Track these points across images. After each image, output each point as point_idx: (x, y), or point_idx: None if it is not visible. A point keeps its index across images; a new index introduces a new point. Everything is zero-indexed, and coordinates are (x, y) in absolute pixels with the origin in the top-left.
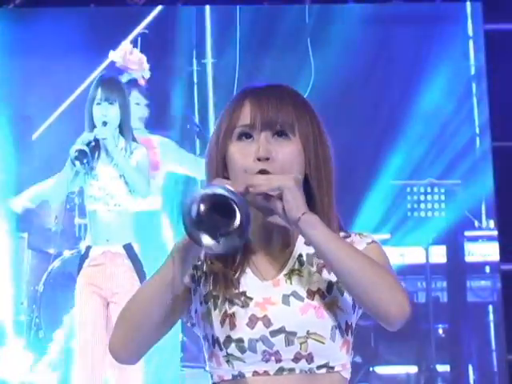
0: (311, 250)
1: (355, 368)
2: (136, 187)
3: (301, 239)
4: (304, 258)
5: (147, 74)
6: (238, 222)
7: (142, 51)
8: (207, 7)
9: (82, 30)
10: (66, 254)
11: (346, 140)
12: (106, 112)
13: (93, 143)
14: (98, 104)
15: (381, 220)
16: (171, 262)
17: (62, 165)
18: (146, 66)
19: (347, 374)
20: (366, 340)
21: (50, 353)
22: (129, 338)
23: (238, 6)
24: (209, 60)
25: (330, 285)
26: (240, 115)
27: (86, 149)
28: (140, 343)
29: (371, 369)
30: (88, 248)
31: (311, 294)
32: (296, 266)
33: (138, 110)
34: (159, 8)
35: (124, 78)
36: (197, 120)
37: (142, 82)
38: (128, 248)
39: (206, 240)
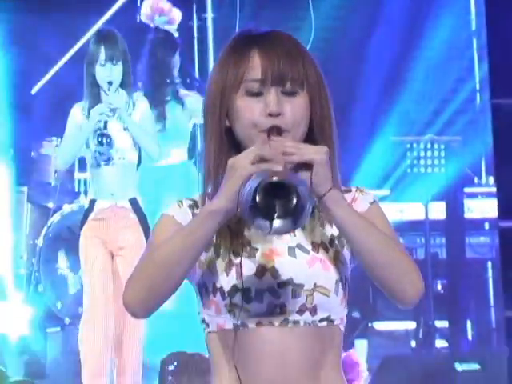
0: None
1: (354, 323)
2: (149, 152)
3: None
4: None
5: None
6: (294, 206)
7: (141, 5)
8: None
9: None
10: (66, 208)
11: (346, 96)
12: (111, 73)
13: (100, 132)
14: (102, 65)
15: (380, 176)
16: (202, 225)
17: (61, 119)
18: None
19: (343, 328)
20: (364, 296)
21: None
22: (150, 294)
23: None
24: (209, 15)
25: (332, 238)
26: (249, 68)
27: (112, 126)
28: (160, 298)
29: (370, 324)
30: (92, 202)
31: (316, 247)
32: None
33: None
34: None
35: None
36: (197, 75)
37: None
38: (133, 202)
39: (260, 222)
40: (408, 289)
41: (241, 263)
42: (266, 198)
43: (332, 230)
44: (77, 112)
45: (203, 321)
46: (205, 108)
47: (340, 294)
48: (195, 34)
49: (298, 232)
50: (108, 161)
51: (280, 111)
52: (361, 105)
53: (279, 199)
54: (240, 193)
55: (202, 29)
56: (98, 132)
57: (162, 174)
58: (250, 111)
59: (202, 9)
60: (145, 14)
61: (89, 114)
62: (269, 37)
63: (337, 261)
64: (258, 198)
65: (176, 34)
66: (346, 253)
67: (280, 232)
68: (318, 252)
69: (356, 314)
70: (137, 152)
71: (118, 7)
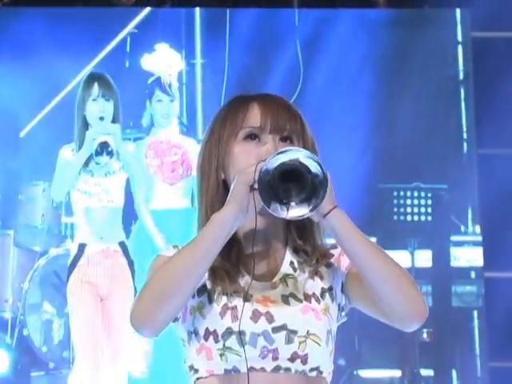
0: (301, 258)
1: (339, 371)
2: (143, 178)
3: (290, 247)
4: (295, 264)
5: (174, 72)
6: (309, 188)
7: (130, 50)
8: (197, 9)
9: (70, 29)
10: (52, 251)
11: (332, 142)
12: (103, 108)
13: (102, 140)
14: (94, 100)
15: (367, 223)
16: (212, 232)
17: (49, 162)
18: (177, 66)
19: (329, 382)
20: (349, 343)
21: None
22: (159, 308)
23: (228, 9)
24: (198, 60)
25: (323, 291)
26: (248, 116)
27: (110, 140)
28: (170, 313)
29: (355, 372)
30: (82, 246)
31: (308, 297)
32: (290, 271)
33: (161, 106)
34: (147, 9)
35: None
36: (184, 120)
37: (166, 80)
38: (123, 246)
39: (276, 206)
40: (414, 307)
41: (245, 294)
42: (282, 183)
43: (322, 284)
44: (66, 152)
45: (191, 367)
46: (201, 160)
47: (329, 345)
48: (184, 80)
49: (290, 283)
50: (108, 174)
51: None
52: (348, 151)
53: (294, 184)
54: (254, 183)
55: (191, 74)
56: (97, 143)
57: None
58: (246, 155)
59: (191, 54)
60: (153, 68)
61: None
62: (268, 94)
63: (327, 312)
64: (272, 182)
65: (175, 82)
66: (335, 306)
67: (296, 215)
68: (310, 302)
69: (341, 362)
70: (124, 195)
71: (107, 52)
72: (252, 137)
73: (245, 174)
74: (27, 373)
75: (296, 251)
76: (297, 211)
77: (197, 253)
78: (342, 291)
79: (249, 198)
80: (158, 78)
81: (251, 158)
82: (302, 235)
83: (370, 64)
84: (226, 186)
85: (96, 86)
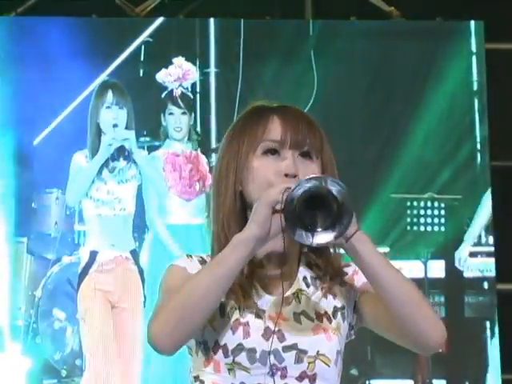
0: (314, 274)
1: (351, 381)
2: (157, 186)
3: (303, 262)
4: (309, 280)
5: (187, 84)
6: (334, 216)
7: (144, 60)
8: (211, 20)
9: (84, 39)
10: (65, 259)
11: (346, 152)
12: (117, 115)
13: (118, 145)
14: (108, 108)
15: (380, 233)
16: (234, 254)
17: (62, 170)
18: (190, 78)
19: None
20: (362, 353)
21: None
22: (179, 327)
23: (242, 20)
24: (212, 69)
25: (335, 310)
26: (268, 130)
27: (126, 145)
28: (189, 331)
29: (367, 382)
30: (94, 253)
31: (319, 317)
32: (303, 287)
33: (173, 119)
34: (161, 19)
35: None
36: (198, 129)
37: (177, 93)
38: (134, 254)
39: (301, 233)
40: (433, 330)
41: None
42: (306, 209)
43: (335, 302)
44: (80, 158)
45: (197, 378)
46: (218, 173)
47: (338, 365)
48: (197, 89)
49: (303, 300)
50: (121, 182)
51: (296, 173)
52: (361, 161)
53: (319, 211)
54: (280, 208)
55: (205, 83)
56: (113, 148)
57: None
58: (265, 170)
59: (205, 64)
60: (166, 80)
61: (92, 160)
62: (287, 107)
63: (337, 332)
64: (297, 210)
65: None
66: (346, 326)
67: (321, 243)
68: (321, 322)
69: (354, 372)
70: (135, 203)
71: (121, 61)
72: (272, 151)
73: (269, 195)
74: (40, 381)
75: (309, 266)
76: (322, 238)
77: (218, 274)
78: (354, 311)
79: (272, 220)
80: (171, 91)
81: (270, 173)
82: (315, 250)
83: (383, 75)
84: (242, 200)
85: (110, 93)
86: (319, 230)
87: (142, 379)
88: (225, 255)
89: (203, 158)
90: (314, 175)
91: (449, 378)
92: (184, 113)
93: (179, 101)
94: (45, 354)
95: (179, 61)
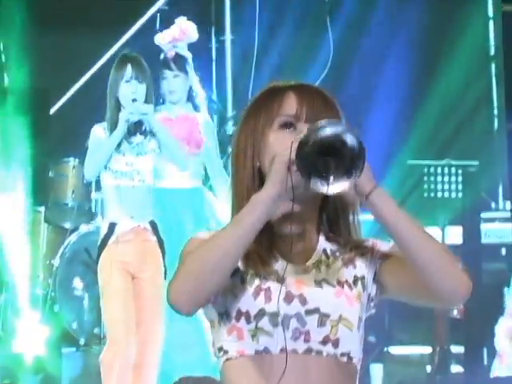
0: (334, 246)
1: (369, 348)
2: (178, 159)
3: (323, 236)
4: (328, 252)
5: (182, 46)
6: (348, 161)
7: (160, 28)
8: None
9: (99, 7)
10: (83, 228)
11: (363, 119)
12: (136, 89)
13: (135, 119)
14: (128, 81)
15: (397, 200)
16: (253, 212)
17: (79, 140)
18: (186, 38)
19: (359, 369)
20: (380, 320)
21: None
22: (198, 286)
23: None
24: (227, 36)
25: (355, 279)
26: (284, 105)
27: (144, 118)
28: (208, 291)
29: (385, 349)
30: (112, 225)
31: (340, 283)
32: (323, 258)
33: (165, 83)
34: None
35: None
36: (214, 96)
37: (171, 54)
38: (153, 225)
39: (316, 181)
40: (459, 282)
41: (283, 276)
42: (320, 157)
43: (355, 272)
44: (99, 131)
45: (220, 349)
46: (235, 149)
47: (360, 331)
48: (213, 57)
49: (323, 269)
50: (140, 154)
51: None
52: (377, 128)
53: (332, 157)
54: (294, 159)
55: (221, 51)
56: (131, 123)
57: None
58: (282, 143)
59: (220, 31)
60: (162, 43)
61: (110, 133)
62: (303, 84)
63: (358, 300)
64: (310, 157)
65: (185, 51)
66: (365, 297)
67: (336, 189)
68: (342, 288)
69: (371, 339)
70: (153, 177)
71: (136, 29)
72: (287, 125)
73: (283, 154)
74: (58, 349)
75: (329, 240)
76: (337, 185)
77: (237, 233)
78: (374, 281)
79: (287, 178)
80: (164, 54)
81: (287, 146)
82: (334, 225)
83: (400, 40)
84: (260, 175)
85: (129, 67)
86: (333, 177)
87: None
88: (244, 214)
89: (200, 119)
90: (325, 121)
91: (467, 344)
92: (177, 75)
93: (171, 63)
94: (63, 322)
95: (180, 20)
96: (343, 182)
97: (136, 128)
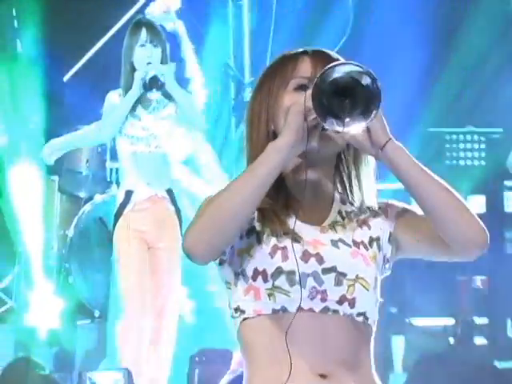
0: (349, 208)
1: (391, 319)
2: (196, 121)
3: (337, 199)
4: (343, 213)
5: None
6: (362, 100)
7: None
8: None
9: None
10: (98, 198)
11: (382, 85)
12: (151, 53)
13: (151, 74)
14: (142, 46)
15: None
16: (270, 160)
17: (93, 107)
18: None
19: (374, 331)
20: (402, 291)
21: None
22: (215, 233)
23: None
24: (245, 1)
25: (371, 239)
26: (299, 68)
27: (159, 74)
28: (225, 238)
29: (407, 320)
30: (129, 192)
31: (356, 244)
32: (338, 219)
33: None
34: None
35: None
36: (231, 63)
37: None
38: (170, 193)
39: (332, 121)
40: (477, 233)
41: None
42: (334, 98)
43: (370, 233)
44: (114, 97)
45: (237, 309)
46: (250, 112)
47: (377, 292)
48: (230, 22)
49: (339, 229)
50: (153, 110)
51: None
52: (398, 94)
53: (347, 98)
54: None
55: (237, 16)
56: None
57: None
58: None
59: None
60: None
61: None
62: (317, 49)
63: (374, 260)
64: (326, 99)
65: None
66: (381, 257)
67: (352, 130)
68: (358, 248)
69: (393, 310)
70: (171, 141)
71: None
72: (302, 87)
73: (298, 103)
74: (73, 321)
75: (343, 202)
76: (353, 126)
77: (254, 179)
78: (389, 242)
79: (304, 126)
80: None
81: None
82: (349, 188)
83: (418, 8)
84: (275, 137)
85: (144, 31)
86: (348, 118)
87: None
88: (260, 162)
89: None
90: (339, 62)
91: (490, 315)
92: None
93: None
94: (78, 294)
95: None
96: (359, 122)
97: (152, 84)
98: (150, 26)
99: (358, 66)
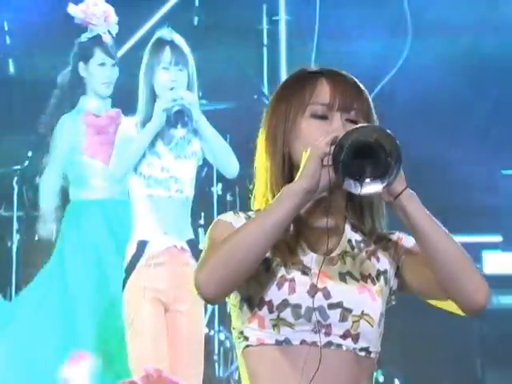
0: (359, 237)
1: None
2: (226, 164)
3: (349, 224)
4: (353, 243)
5: (115, 29)
6: (382, 165)
7: (200, 5)
8: None
9: None
10: None
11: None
12: (176, 77)
13: (177, 108)
14: (165, 68)
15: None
16: (285, 204)
17: None
18: (114, 19)
19: (376, 364)
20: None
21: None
22: (225, 276)
23: None
24: (282, 16)
25: (378, 273)
26: (317, 93)
27: (186, 104)
28: (234, 281)
29: None
30: (143, 243)
31: (364, 278)
32: (348, 249)
33: (102, 71)
34: None
35: (85, 36)
36: (265, 89)
37: (106, 39)
38: (192, 245)
39: (350, 182)
40: (479, 291)
41: (318, 274)
42: (355, 159)
43: (378, 266)
44: (129, 126)
45: (241, 334)
46: (266, 135)
47: (381, 327)
48: (265, 41)
49: (348, 261)
50: (179, 157)
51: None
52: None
53: (367, 160)
54: (329, 157)
55: (274, 34)
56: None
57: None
58: (314, 132)
59: (273, 10)
60: (87, 20)
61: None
62: (335, 70)
63: (381, 294)
64: (346, 159)
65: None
66: (387, 291)
67: (369, 192)
68: (366, 283)
69: None
70: (194, 185)
71: (171, 6)
72: (320, 113)
73: (318, 148)
74: None
75: (354, 229)
76: (370, 188)
77: (267, 224)
78: (396, 276)
79: (321, 173)
80: (98, 36)
81: (318, 134)
82: (360, 216)
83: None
84: (290, 162)
85: (168, 51)
86: (368, 180)
87: None
88: (274, 206)
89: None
90: (363, 124)
91: None
92: (114, 65)
93: (110, 49)
94: None
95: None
96: (377, 184)
97: (177, 118)
98: (176, 46)
99: (382, 129)
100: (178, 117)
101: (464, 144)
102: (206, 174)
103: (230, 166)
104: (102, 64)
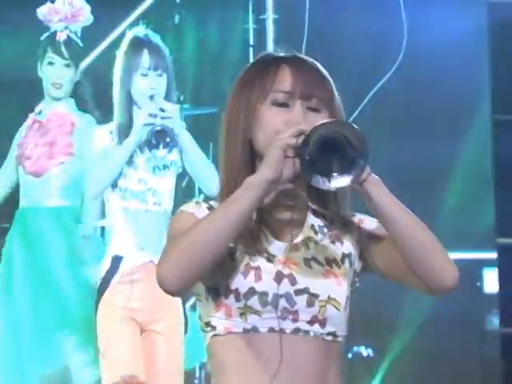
0: (321, 223)
1: None
2: (206, 182)
3: (311, 211)
4: (316, 228)
5: (78, 28)
6: (349, 158)
7: (181, 2)
8: None
9: None
10: None
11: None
12: (155, 84)
13: (158, 128)
14: (144, 75)
15: None
16: (248, 195)
17: None
18: (85, 18)
19: (343, 345)
20: None
21: None
22: (188, 269)
23: None
24: (269, 15)
25: (343, 256)
26: (278, 80)
27: (168, 126)
28: (198, 274)
29: None
30: (117, 259)
31: (329, 262)
32: (311, 234)
33: (52, 71)
34: None
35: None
36: None
37: (61, 37)
38: None
39: (318, 179)
40: (447, 272)
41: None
42: (321, 154)
43: (343, 249)
44: (104, 136)
45: (208, 324)
46: (227, 120)
47: (347, 310)
48: (251, 41)
49: (312, 246)
50: (157, 168)
51: (304, 123)
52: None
53: (334, 155)
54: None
55: (260, 33)
56: (151, 132)
57: None
58: (274, 120)
59: (260, 8)
60: (51, 18)
61: (120, 139)
62: (298, 57)
63: (346, 278)
64: (312, 155)
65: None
66: (351, 273)
67: (338, 187)
68: (331, 267)
69: None
70: (173, 197)
71: (150, 2)
72: (281, 100)
73: (281, 139)
74: None
75: (316, 215)
76: (339, 182)
77: (230, 215)
78: (360, 258)
79: (284, 164)
80: (54, 33)
81: (279, 122)
82: (323, 201)
83: None
84: (251, 149)
85: (145, 54)
86: (335, 174)
87: None
88: (237, 196)
89: (80, 121)
90: (327, 120)
91: None
92: (68, 65)
93: (63, 48)
94: None
95: None
96: (344, 178)
97: (158, 139)
98: (155, 49)
99: (346, 123)
100: (160, 137)
101: None
102: (186, 184)
103: (211, 185)
104: (50, 63)
